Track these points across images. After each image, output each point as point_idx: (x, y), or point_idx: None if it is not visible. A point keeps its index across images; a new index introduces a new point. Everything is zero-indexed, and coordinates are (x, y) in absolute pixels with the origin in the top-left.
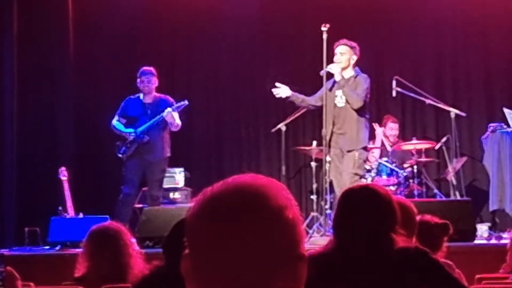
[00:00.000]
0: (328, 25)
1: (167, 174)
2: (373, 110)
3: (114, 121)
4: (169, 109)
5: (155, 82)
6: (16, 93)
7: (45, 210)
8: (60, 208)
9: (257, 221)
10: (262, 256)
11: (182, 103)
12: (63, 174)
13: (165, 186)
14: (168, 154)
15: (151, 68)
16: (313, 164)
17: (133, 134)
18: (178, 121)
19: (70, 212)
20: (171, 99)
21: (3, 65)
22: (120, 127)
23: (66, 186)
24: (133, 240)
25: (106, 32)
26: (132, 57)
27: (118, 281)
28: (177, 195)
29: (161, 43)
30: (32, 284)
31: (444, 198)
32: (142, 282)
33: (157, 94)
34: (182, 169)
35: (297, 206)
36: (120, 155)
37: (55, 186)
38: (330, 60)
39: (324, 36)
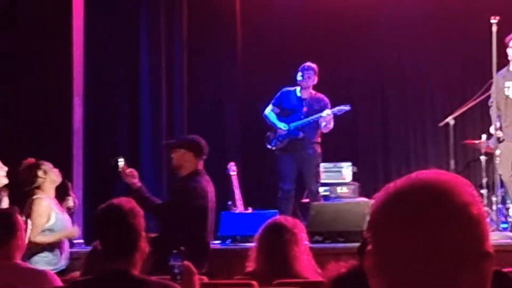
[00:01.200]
0: (498, 17)
1: (334, 169)
2: None
3: (267, 111)
4: (328, 111)
5: (314, 79)
6: (186, 91)
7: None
8: (229, 202)
9: (443, 217)
10: (447, 253)
11: (344, 107)
12: (232, 169)
13: (332, 181)
14: (320, 150)
15: (314, 66)
16: (482, 158)
17: (286, 129)
18: (331, 124)
19: (240, 207)
20: (326, 100)
21: (175, 65)
22: (273, 118)
23: (235, 181)
24: (305, 235)
25: (273, 28)
26: (298, 53)
27: (288, 277)
28: (344, 190)
29: (326, 39)
30: (205, 278)
31: None
32: (338, 279)
33: (313, 92)
34: (349, 163)
35: (482, 202)
36: (270, 147)
37: (225, 181)
38: (500, 53)
39: (494, 28)
